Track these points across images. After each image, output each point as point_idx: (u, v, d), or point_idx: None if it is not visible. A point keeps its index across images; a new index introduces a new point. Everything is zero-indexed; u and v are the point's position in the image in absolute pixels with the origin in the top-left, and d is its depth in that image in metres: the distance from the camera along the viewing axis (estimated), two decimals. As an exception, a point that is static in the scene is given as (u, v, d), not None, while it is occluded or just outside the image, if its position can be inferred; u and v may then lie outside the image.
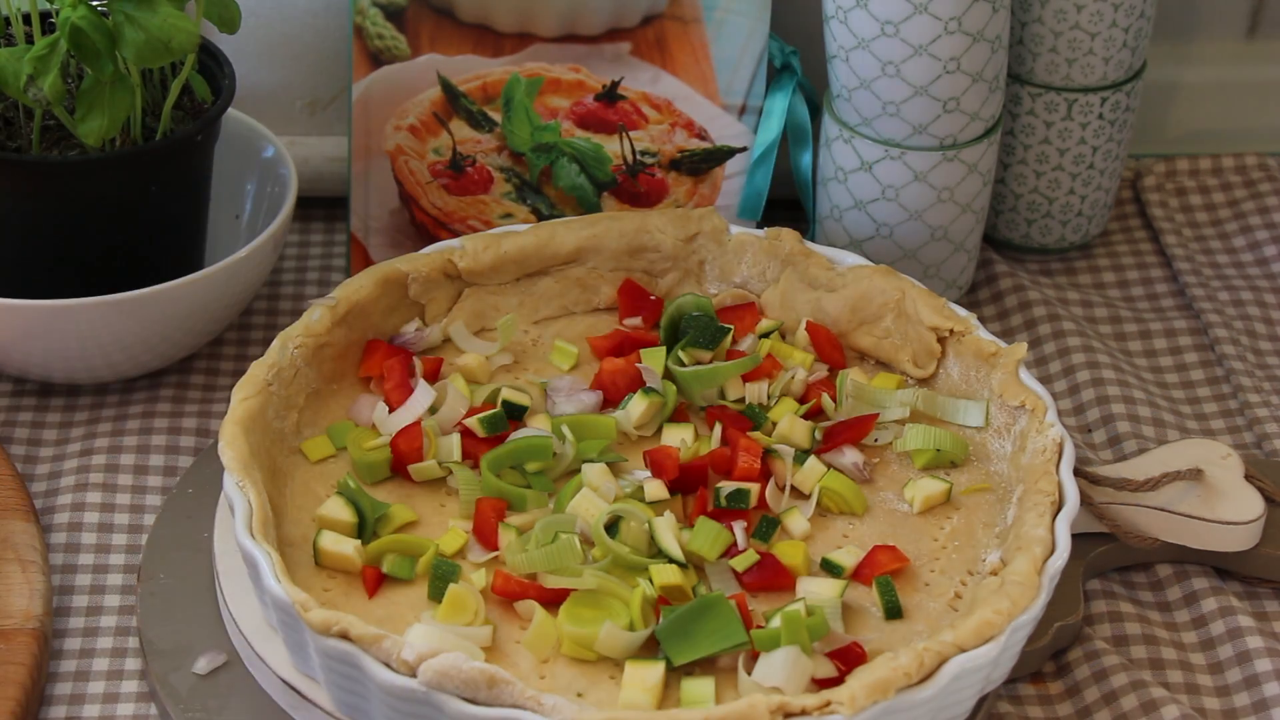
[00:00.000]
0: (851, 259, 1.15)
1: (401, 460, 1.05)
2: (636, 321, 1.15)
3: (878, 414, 1.08)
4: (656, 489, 1.04)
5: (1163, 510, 1.09)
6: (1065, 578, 1.06)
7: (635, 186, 1.28)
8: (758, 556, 1.00)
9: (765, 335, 1.14)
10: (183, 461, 1.16)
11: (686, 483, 1.05)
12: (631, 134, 1.27)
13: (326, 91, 1.34)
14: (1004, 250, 1.36)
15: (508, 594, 0.98)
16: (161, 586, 1.06)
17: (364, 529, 1.02)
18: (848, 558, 1.01)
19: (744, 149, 1.28)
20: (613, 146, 1.27)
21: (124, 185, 1.15)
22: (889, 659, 0.91)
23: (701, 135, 1.27)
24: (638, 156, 1.27)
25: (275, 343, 1.08)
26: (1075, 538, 1.01)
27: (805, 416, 1.09)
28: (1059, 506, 1.00)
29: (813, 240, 1.26)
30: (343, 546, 0.99)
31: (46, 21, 1.17)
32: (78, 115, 1.10)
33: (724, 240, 1.17)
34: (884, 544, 1.02)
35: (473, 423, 1.07)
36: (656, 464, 1.05)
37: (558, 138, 1.27)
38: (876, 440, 1.09)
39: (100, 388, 1.21)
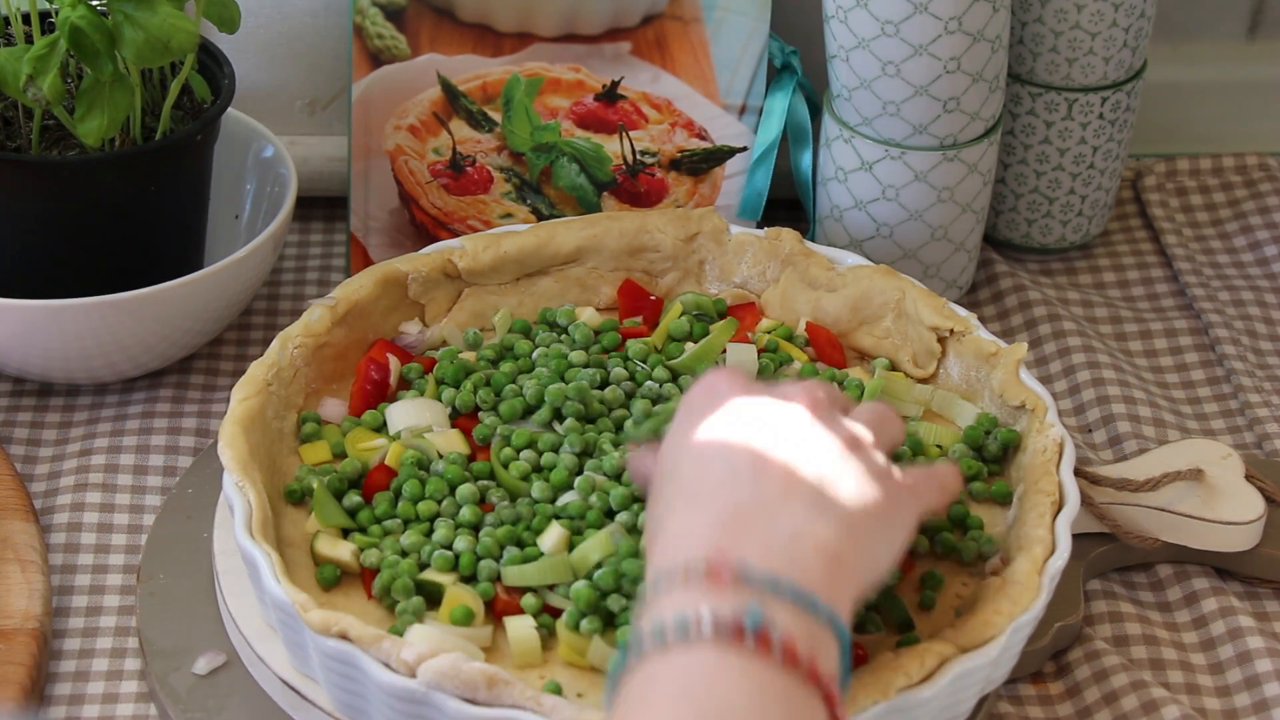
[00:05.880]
0: (851, 259, 1.15)
1: (373, 489, 1.04)
2: (637, 321, 1.15)
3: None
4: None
5: (1163, 510, 1.09)
6: (1065, 578, 1.06)
7: (635, 186, 1.28)
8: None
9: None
10: (183, 461, 1.16)
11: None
12: (631, 134, 1.27)
13: (326, 91, 1.34)
14: (1004, 250, 1.36)
15: (509, 610, 0.97)
16: (161, 586, 1.06)
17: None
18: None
19: (744, 149, 1.28)
20: (613, 146, 1.27)
21: (124, 185, 1.14)
22: (889, 659, 0.91)
23: (701, 135, 1.27)
24: (638, 156, 1.27)
25: (275, 343, 1.07)
26: (1075, 538, 1.01)
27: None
28: (1059, 506, 1.00)
29: (813, 240, 1.26)
30: (338, 551, 0.99)
31: (46, 21, 1.17)
32: (77, 115, 1.10)
33: (724, 240, 1.17)
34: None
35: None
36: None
37: (558, 138, 1.27)
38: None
39: (100, 388, 1.21)
